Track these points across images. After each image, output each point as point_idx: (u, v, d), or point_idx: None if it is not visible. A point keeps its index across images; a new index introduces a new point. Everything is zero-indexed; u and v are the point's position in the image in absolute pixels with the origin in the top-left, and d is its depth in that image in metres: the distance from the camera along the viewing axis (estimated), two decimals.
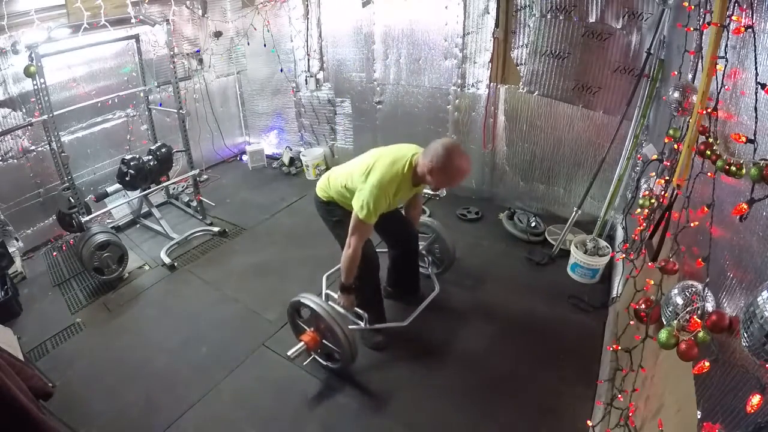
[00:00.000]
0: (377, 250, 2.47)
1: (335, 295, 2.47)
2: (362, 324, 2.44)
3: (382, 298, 2.60)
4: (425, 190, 2.96)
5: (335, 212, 2.39)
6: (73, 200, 3.29)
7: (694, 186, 1.47)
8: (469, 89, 3.75)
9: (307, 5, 4.29)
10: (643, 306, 1.44)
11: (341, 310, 2.40)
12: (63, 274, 3.38)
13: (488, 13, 3.40)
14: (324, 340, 2.29)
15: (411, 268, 2.81)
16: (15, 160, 3.47)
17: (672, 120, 2.07)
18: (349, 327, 2.26)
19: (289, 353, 2.23)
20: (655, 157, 2.29)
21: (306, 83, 4.66)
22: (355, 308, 2.44)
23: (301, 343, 2.26)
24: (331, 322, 2.17)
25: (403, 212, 2.65)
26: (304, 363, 2.34)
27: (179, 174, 4.30)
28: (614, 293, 2.73)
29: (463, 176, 2.07)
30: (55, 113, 3.05)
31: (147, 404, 2.30)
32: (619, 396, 1.72)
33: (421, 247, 2.85)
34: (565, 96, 3.30)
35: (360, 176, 2.14)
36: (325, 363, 2.41)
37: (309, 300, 2.25)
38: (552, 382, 2.32)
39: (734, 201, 1.05)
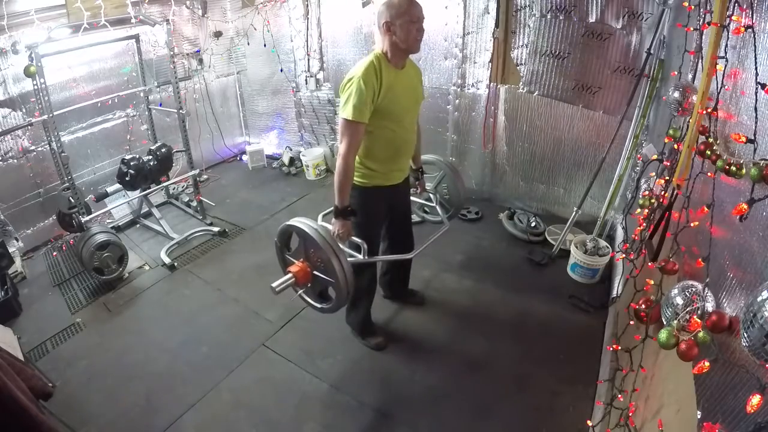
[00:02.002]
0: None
1: (330, 226, 2.08)
2: (360, 256, 2.14)
3: (378, 234, 2.42)
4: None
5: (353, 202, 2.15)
6: (73, 200, 3.29)
7: (694, 186, 1.47)
8: (469, 89, 3.75)
9: (307, 5, 4.29)
10: (643, 306, 1.44)
11: (338, 242, 2.01)
12: (63, 274, 3.38)
13: (488, 13, 3.40)
14: (315, 272, 1.97)
15: (405, 273, 2.78)
16: (15, 160, 3.47)
17: (672, 120, 2.07)
18: (347, 259, 1.94)
19: (273, 285, 1.91)
20: (655, 157, 2.29)
21: (306, 83, 4.66)
22: (353, 237, 2.13)
23: (289, 275, 1.95)
24: (326, 247, 1.85)
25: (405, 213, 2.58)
26: (292, 299, 2.10)
27: (179, 174, 4.30)
28: (614, 293, 2.73)
29: (418, 7, 1.92)
30: (55, 113, 3.06)
31: (147, 404, 2.30)
32: (619, 396, 1.72)
33: (428, 186, 2.68)
34: (565, 96, 3.30)
35: (340, 95, 1.97)
36: (315, 304, 2.09)
37: (299, 222, 1.95)
38: (552, 382, 2.32)
39: (734, 201, 1.05)
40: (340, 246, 1.96)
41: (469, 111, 3.82)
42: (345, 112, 1.90)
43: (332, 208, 2.13)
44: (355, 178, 2.11)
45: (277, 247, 2.15)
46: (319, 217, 2.43)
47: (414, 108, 2.21)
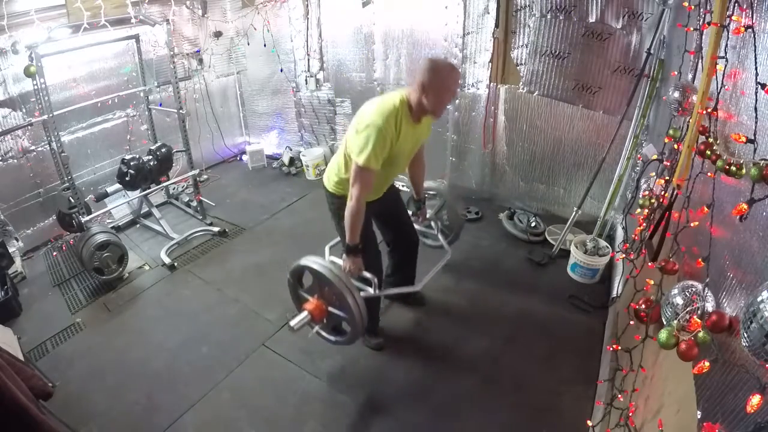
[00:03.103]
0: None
1: (340, 261, 2.21)
2: (371, 290, 2.21)
3: (381, 265, 2.47)
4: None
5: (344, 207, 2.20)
6: (73, 200, 3.29)
7: (694, 186, 1.47)
8: (469, 89, 3.75)
9: (307, 5, 4.29)
10: (643, 306, 1.44)
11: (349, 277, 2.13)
12: (63, 274, 3.38)
13: (488, 13, 3.40)
14: (330, 308, 2.07)
15: (410, 272, 2.77)
16: (15, 160, 3.47)
17: (672, 120, 2.07)
18: (360, 295, 2.05)
19: (291, 323, 2.03)
20: (655, 157, 2.29)
21: (306, 83, 4.66)
22: (363, 272, 2.19)
23: (305, 313, 2.04)
24: (339, 285, 1.95)
25: (405, 213, 2.61)
26: (309, 336, 2.19)
27: (179, 174, 4.30)
28: (614, 293, 2.73)
29: (455, 84, 1.98)
30: (55, 113, 3.05)
31: (147, 404, 2.30)
32: (619, 396, 1.72)
33: (428, 214, 2.73)
34: (565, 96, 3.30)
35: (354, 134, 1.98)
36: (331, 337, 2.21)
37: (312, 262, 2.03)
38: (552, 382, 2.32)
39: (734, 201, 1.05)
40: (352, 281, 2.06)
41: (469, 111, 3.82)
42: (361, 158, 1.91)
43: (338, 239, 2.27)
44: (343, 192, 2.15)
45: (290, 284, 2.23)
46: (327, 249, 2.52)
47: (414, 151, 2.25)
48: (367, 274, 2.19)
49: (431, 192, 2.85)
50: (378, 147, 1.89)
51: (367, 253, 2.21)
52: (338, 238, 2.37)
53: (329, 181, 2.24)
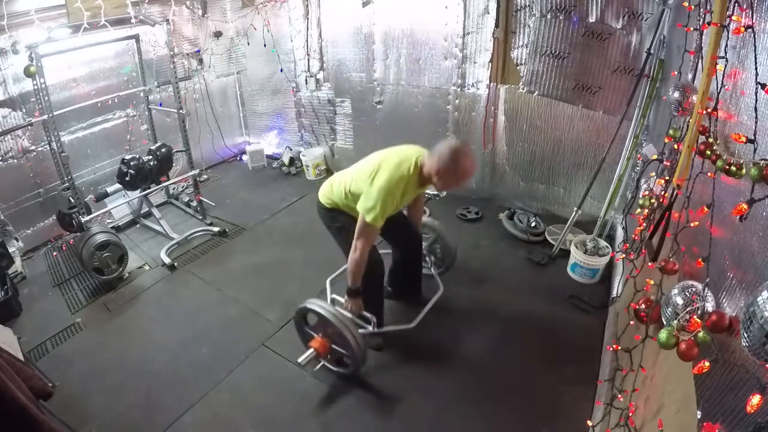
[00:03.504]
0: (381, 251, 2.46)
1: (342, 300, 2.44)
2: (370, 328, 2.39)
3: (383, 300, 2.59)
4: (427, 191, 2.95)
5: (339, 219, 2.37)
6: (73, 200, 3.29)
7: (694, 186, 1.47)
8: (469, 89, 3.75)
9: (307, 5, 4.29)
10: (643, 306, 1.44)
11: (348, 314, 2.33)
12: (63, 274, 3.38)
13: (488, 13, 3.40)
14: (333, 345, 2.27)
15: (414, 270, 2.80)
16: (15, 160, 3.47)
17: (672, 120, 2.07)
18: (359, 331, 2.24)
19: (299, 360, 2.21)
20: (655, 157, 2.29)
21: (306, 83, 4.66)
22: (363, 312, 2.39)
23: (311, 350, 2.24)
24: (341, 326, 2.15)
25: (405, 212, 2.64)
26: (315, 369, 2.33)
27: (179, 174, 4.30)
28: (614, 293, 2.73)
29: (469, 177, 2.09)
30: (55, 113, 3.05)
31: (147, 404, 2.30)
32: (619, 396, 1.72)
33: (423, 247, 2.84)
34: (565, 96, 3.30)
35: (365, 180, 2.12)
36: (335, 369, 2.40)
37: (316, 305, 2.22)
38: (552, 382, 2.32)
39: (734, 201, 1.05)
40: (353, 319, 2.28)
41: (469, 111, 3.82)
42: (369, 216, 2.05)
43: (337, 272, 2.71)
44: (340, 207, 2.33)
45: (296, 322, 2.42)
46: (327, 283, 2.75)
47: (410, 201, 2.39)
48: (367, 314, 2.37)
49: (425, 228, 2.94)
50: (385, 209, 2.06)
51: (372, 288, 2.38)
52: (338, 271, 2.71)
53: (326, 198, 2.39)
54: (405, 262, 2.74)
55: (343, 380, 2.40)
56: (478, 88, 3.70)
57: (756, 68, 1.07)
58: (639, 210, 2.18)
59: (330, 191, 2.37)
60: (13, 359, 2.08)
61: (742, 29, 1.14)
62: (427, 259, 2.92)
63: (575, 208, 3.19)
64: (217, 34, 4.66)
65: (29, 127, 3.39)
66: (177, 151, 3.86)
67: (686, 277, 1.33)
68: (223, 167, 5.19)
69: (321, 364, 2.33)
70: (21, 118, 3.36)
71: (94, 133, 3.95)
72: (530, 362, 2.46)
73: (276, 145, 5.32)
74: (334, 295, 2.64)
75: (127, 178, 3.56)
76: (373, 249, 2.29)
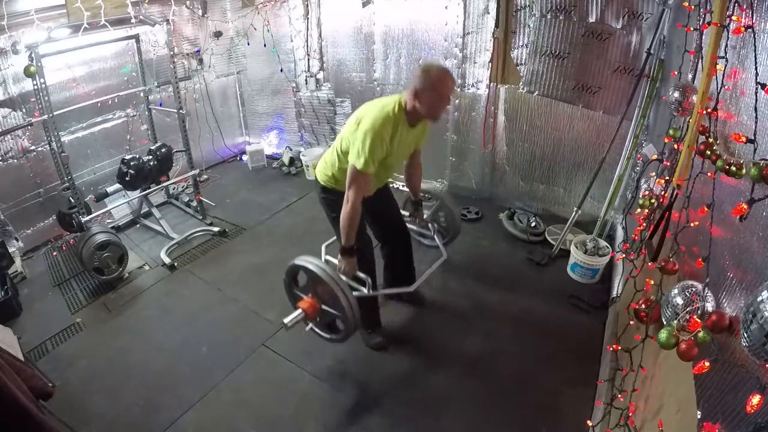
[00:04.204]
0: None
1: (335, 261, 2.28)
2: (365, 290, 2.26)
3: (374, 267, 2.47)
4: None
5: (337, 206, 2.23)
6: (73, 200, 3.29)
7: (694, 186, 1.47)
8: (469, 89, 3.75)
9: (307, 5, 4.29)
10: (643, 306, 1.45)
11: (343, 277, 2.18)
12: (63, 274, 3.38)
13: (488, 13, 3.40)
14: (324, 306, 2.13)
15: (405, 261, 2.75)
16: (15, 160, 3.47)
17: (672, 120, 2.07)
18: (353, 294, 2.10)
19: (285, 320, 2.08)
20: (655, 157, 2.29)
21: (306, 83, 4.66)
22: (358, 273, 2.23)
23: (299, 311, 2.10)
24: (331, 283, 2.01)
25: (404, 213, 2.62)
26: (305, 330, 2.21)
27: (179, 174, 4.30)
28: (614, 293, 2.73)
29: (450, 88, 2.00)
30: (55, 113, 3.05)
31: (147, 404, 2.30)
32: (619, 396, 1.72)
33: (425, 215, 2.75)
34: (565, 96, 3.30)
35: (351, 133, 2.04)
36: (325, 335, 2.27)
37: (307, 262, 2.09)
38: (552, 382, 2.32)
39: (734, 201, 1.05)
40: (346, 280, 2.12)
41: (469, 111, 3.82)
42: (358, 163, 1.96)
43: (334, 238, 2.34)
44: (334, 185, 2.24)
45: (286, 283, 2.29)
46: (323, 248, 2.57)
47: (408, 154, 2.31)
48: (361, 275, 2.23)
49: (428, 194, 2.87)
50: (373, 153, 1.95)
51: (362, 255, 2.25)
52: (334, 237, 2.42)
53: (321, 174, 2.30)
54: (395, 256, 2.69)
55: (343, 380, 2.40)
56: (478, 88, 3.70)
57: (756, 68, 1.07)
58: (639, 210, 2.18)
59: (324, 166, 2.28)
60: (13, 359, 2.08)
61: (742, 29, 1.14)
62: (430, 226, 2.80)
63: (575, 208, 3.19)
64: (217, 34, 4.66)
65: (29, 127, 3.39)
66: (177, 151, 3.86)
67: (686, 277, 1.33)
68: (223, 167, 5.19)
69: (309, 327, 2.19)
70: (21, 118, 3.36)
71: (94, 133, 3.95)
72: (530, 362, 2.46)
73: (276, 145, 5.32)
74: (329, 257, 2.49)
75: (127, 178, 3.56)
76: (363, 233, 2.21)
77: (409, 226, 2.74)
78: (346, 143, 2.08)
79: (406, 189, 2.73)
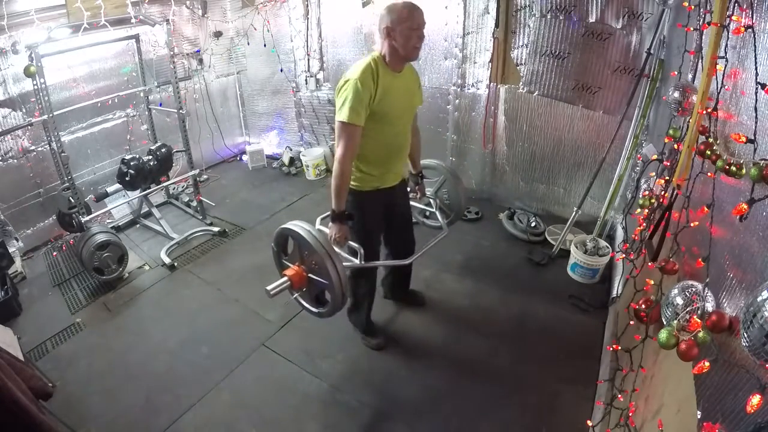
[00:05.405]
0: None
1: (327, 229, 2.11)
2: (356, 260, 2.13)
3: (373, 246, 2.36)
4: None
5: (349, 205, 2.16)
6: (73, 200, 3.29)
7: (694, 186, 1.47)
8: (469, 89, 3.75)
9: (307, 5, 4.29)
10: (643, 306, 1.44)
11: (335, 247, 2.02)
12: (63, 274, 3.38)
13: (488, 13, 3.40)
14: (311, 275, 1.97)
15: (405, 273, 2.76)
16: (15, 160, 3.47)
17: (672, 120, 2.07)
18: (343, 264, 1.94)
19: (268, 288, 1.92)
20: (655, 157, 2.29)
21: (306, 83, 4.66)
22: (349, 242, 2.11)
23: (284, 278, 1.96)
24: (320, 250, 1.86)
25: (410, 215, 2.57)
26: (286, 303, 2.10)
27: (179, 174, 4.30)
28: (614, 293, 2.73)
29: (418, 16, 1.92)
30: (55, 113, 3.05)
31: (147, 404, 2.30)
32: (619, 396, 1.72)
33: (428, 192, 2.67)
34: (565, 96, 3.30)
35: (336, 94, 1.97)
36: (311, 308, 2.12)
37: (294, 226, 1.94)
38: (552, 382, 2.32)
39: (734, 201, 1.05)
40: (337, 250, 1.97)
41: (469, 111, 3.82)
42: (341, 114, 1.89)
43: (329, 213, 2.12)
44: (350, 183, 2.09)
45: (274, 251, 2.15)
46: (317, 220, 2.40)
47: (409, 112, 2.20)
48: (354, 244, 2.11)
49: (432, 169, 2.76)
50: (356, 101, 1.86)
51: (366, 241, 2.17)
52: (329, 212, 2.20)
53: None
54: (398, 268, 2.66)
55: (343, 380, 2.40)
56: (478, 88, 3.70)
57: (756, 68, 1.07)
58: (639, 210, 2.18)
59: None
60: (13, 359, 2.08)
61: (742, 29, 1.14)
62: (432, 202, 2.72)
63: (575, 208, 3.19)
64: (217, 34, 4.66)
65: (29, 127, 3.39)
66: (177, 151, 3.86)
67: (686, 277, 1.33)
68: (223, 167, 5.19)
69: (294, 296, 2.07)
70: (21, 118, 3.36)
71: (94, 133, 3.95)
72: (530, 362, 2.46)
73: (276, 145, 5.32)
74: (321, 227, 2.27)
75: (127, 178, 3.56)
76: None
77: (411, 203, 2.59)
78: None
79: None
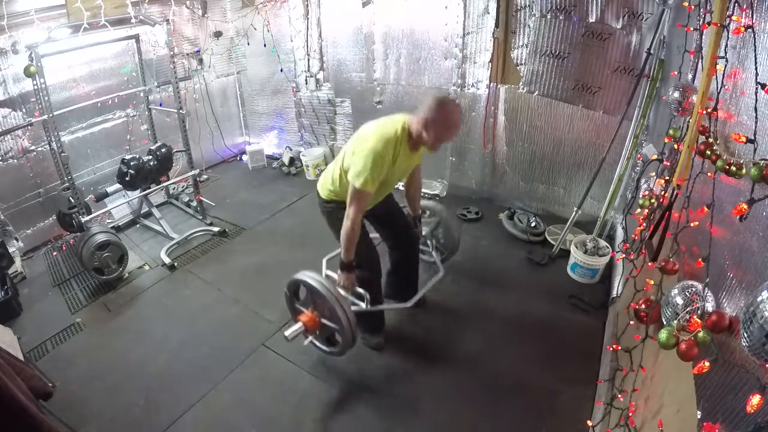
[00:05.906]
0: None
1: (335, 276, 2.33)
2: (363, 304, 2.30)
3: (379, 282, 2.49)
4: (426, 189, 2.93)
5: (340, 216, 2.25)
6: (73, 200, 3.29)
7: (694, 186, 1.47)
8: (469, 89, 3.75)
9: (307, 5, 4.29)
10: (643, 306, 1.44)
11: (342, 291, 2.24)
12: (63, 274, 3.38)
13: (488, 13, 3.40)
14: (323, 320, 2.19)
15: (410, 272, 2.76)
16: (15, 160, 3.47)
17: (672, 120, 2.07)
18: (351, 308, 2.16)
19: (286, 333, 2.15)
20: (655, 157, 2.29)
21: (306, 83, 4.66)
22: (356, 288, 2.29)
23: (299, 324, 2.17)
24: (330, 298, 2.08)
25: (405, 211, 2.62)
26: (304, 343, 2.26)
27: (179, 174, 4.30)
28: (614, 293, 2.73)
29: (457, 125, 2.06)
30: (55, 113, 3.06)
31: (147, 404, 2.30)
32: (619, 396, 1.72)
33: (424, 231, 2.77)
34: (565, 96, 3.30)
35: (354, 150, 2.05)
36: (324, 348, 2.35)
37: (307, 277, 2.16)
38: (552, 382, 2.32)
39: (734, 201, 1.05)
40: (344, 294, 2.20)
41: (469, 111, 3.82)
42: (358, 181, 1.98)
43: (335, 252, 2.43)
44: (334, 198, 2.25)
45: (287, 297, 2.35)
46: (324, 262, 2.64)
47: (407, 172, 2.35)
48: (360, 290, 2.29)
49: (427, 211, 2.91)
50: (375, 172, 1.97)
51: (364, 269, 2.30)
52: (336, 252, 2.50)
53: (323, 188, 2.33)
54: (402, 262, 2.69)
55: (343, 380, 2.40)
56: (478, 88, 3.70)
57: (756, 68, 1.07)
58: (639, 210, 2.18)
59: (326, 180, 2.30)
60: (13, 359, 2.08)
61: (742, 29, 1.14)
62: (429, 243, 2.86)
63: (575, 208, 3.19)
64: (217, 34, 4.66)
65: (29, 127, 3.39)
66: (177, 151, 3.86)
67: (686, 277, 1.33)
68: (223, 167, 5.19)
69: (309, 339, 2.25)
70: (21, 118, 3.36)
71: (94, 133, 3.95)
72: (530, 362, 2.46)
73: (276, 145, 5.32)
74: (329, 272, 2.55)
75: (127, 178, 3.56)
76: (369, 243, 2.26)
77: None
78: (348, 161, 2.10)
79: (404, 208, 2.70)
